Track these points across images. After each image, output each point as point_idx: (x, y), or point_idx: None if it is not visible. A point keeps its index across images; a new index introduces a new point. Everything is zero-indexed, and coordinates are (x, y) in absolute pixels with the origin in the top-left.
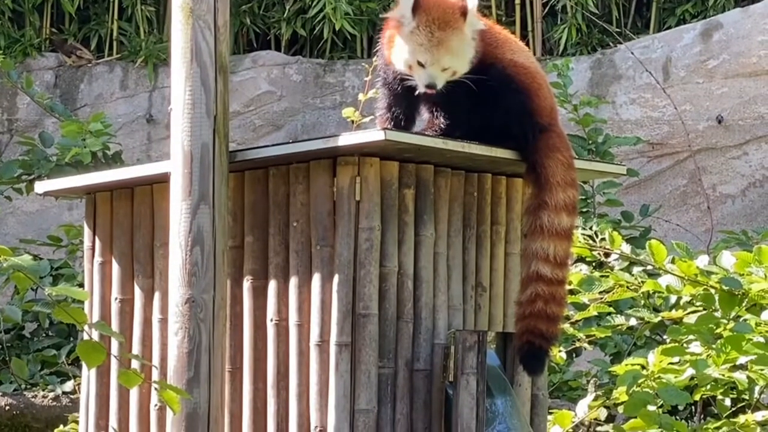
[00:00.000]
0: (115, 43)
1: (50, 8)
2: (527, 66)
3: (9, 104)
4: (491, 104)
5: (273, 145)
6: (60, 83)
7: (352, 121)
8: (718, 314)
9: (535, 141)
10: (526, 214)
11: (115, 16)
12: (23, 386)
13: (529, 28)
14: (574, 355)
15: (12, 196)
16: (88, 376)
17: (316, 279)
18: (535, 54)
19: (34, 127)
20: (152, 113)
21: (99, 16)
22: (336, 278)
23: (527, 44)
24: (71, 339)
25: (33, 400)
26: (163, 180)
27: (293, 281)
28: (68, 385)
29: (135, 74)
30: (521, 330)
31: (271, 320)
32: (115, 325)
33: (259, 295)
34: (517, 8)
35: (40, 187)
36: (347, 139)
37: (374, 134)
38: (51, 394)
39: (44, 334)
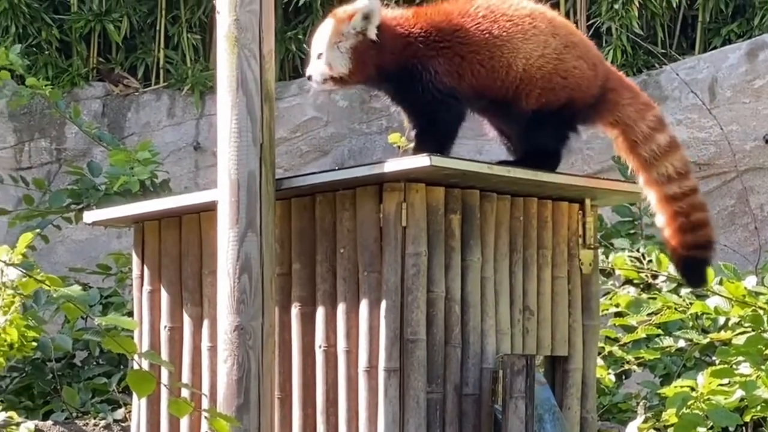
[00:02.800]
0: (161, 72)
1: (97, 38)
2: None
3: (57, 134)
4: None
5: (319, 172)
6: (107, 112)
7: (399, 147)
8: (767, 335)
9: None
10: (629, 155)
11: (162, 45)
12: (74, 414)
13: None
14: (623, 377)
15: (61, 225)
16: (139, 404)
17: (364, 305)
18: None
19: (83, 156)
20: (199, 141)
21: (145, 44)
22: (383, 304)
23: None
24: (122, 367)
25: (84, 428)
26: (210, 208)
27: (341, 307)
28: (119, 413)
29: (182, 102)
30: (673, 251)
31: (320, 347)
32: (164, 353)
33: (308, 321)
34: None
35: (89, 216)
36: (393, 165)
37: (419, 160)
38: (102, 422)
39: (95, 362)
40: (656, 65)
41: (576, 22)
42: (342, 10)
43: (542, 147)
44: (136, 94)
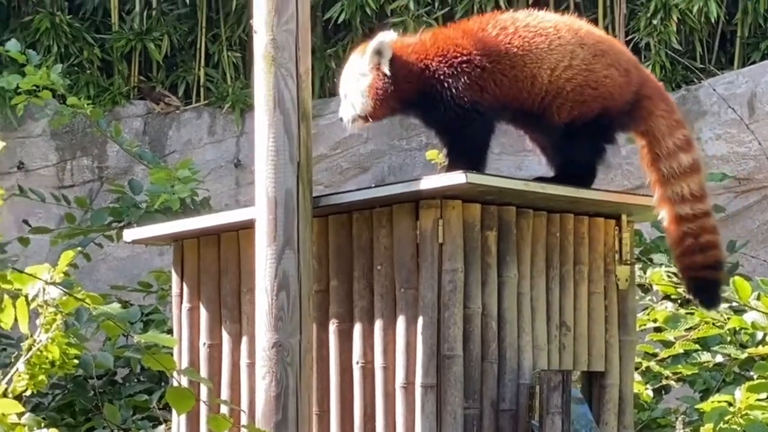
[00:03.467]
0: (202, 90)
1: (138, 56)
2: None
3: (99, 152)
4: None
5: (356, 190)
6: (149, 130)
7: (437, 163)
8: None
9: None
10: (649, 167)
11: (202, 63)
12: (116, 431)
13: None
14: (663, 393)
15: (103, 243)
16: (179, 421)
17: (401, 321)
18: None
19: (124, 174)
20: (240, 158)
21: (186, 63)
22: (420, 320)
23: None
24: (162, 384)
25: None
26: (248, 226)
27: (378, 324)
28: (160, 430)
29: (222, 120)
30: (682, 271)
31: (357, 363)
32: (203, 370)
33: (345, 338)
34: None
35: (128, 235)
36: (429, 182)
37: (455, 177)
38: None
39: (136, 380)
40: (695, 80)
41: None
42: (360, 48)
43: (577, 162)
44: (177, 112)
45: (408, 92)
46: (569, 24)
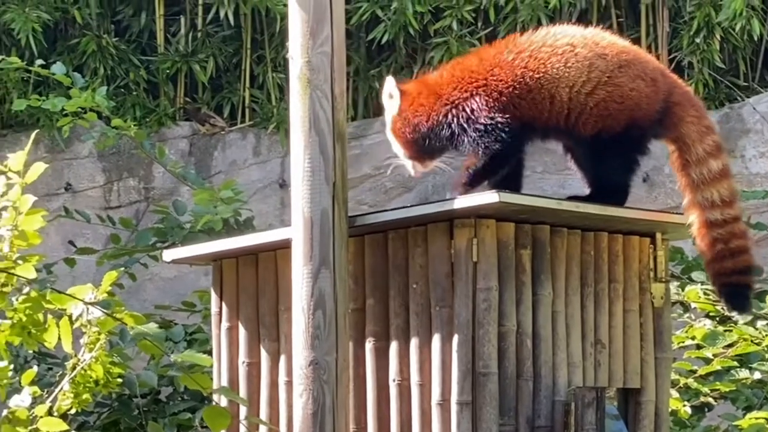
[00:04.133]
0: (247, 111)
1: (184, 78)
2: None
3: (145, 173)
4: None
5: (391, 210)
6: (194, 151)
7: None
8: None
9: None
10: (679, 172)
11: (247, 84)
12: None
13: None
14: (706, 410)
15: (149, 263)
16: None
17: (436, 339)
18: None
19: (170, 195)
20: (285, 178)
21: (231, 84)
22: (455, 338)
23: None
24: (206, 402)
25: None
26: (285, 246)
27: (414, 342)
28: None
29: (267, 140)
30: (713, 277)
31: (393, 380)
32: (242, 388)
33: (381, 356)
34: None
35: (168, 255)
36: (463, 201)
37: (488, 197)
38: None
39: (180, 398)
40: (738, 98)
41: (657, 57)
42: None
43: (610, 179)
44: (223, 133)
45: (427, 126)
46: (589, 38)
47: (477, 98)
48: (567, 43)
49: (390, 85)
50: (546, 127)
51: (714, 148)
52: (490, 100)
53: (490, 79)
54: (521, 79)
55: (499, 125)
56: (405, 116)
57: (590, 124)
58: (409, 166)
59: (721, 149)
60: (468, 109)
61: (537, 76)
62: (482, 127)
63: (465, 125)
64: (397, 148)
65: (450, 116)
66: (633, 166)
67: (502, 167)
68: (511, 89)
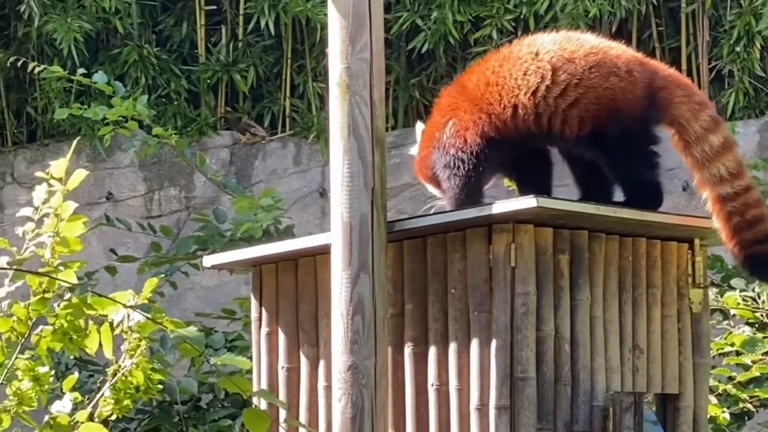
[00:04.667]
0: (287, 120)
1: (224, 88)
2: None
3: (186, 182)
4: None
5: (430, 215)
6: (235, 160)
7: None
8: None
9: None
10: (682, 154)
11: (288, 93)
12: None
13: None
14: (746, 418)
15: (190, 272)
16: None
17: (475, 344)
18: None
19: (211, 204)
20: (325, 187)
21: (272, 93)
22: (494, 343)
23: None
24: (245, 409)
25: None
26: (325, 251)
27: (452, 347)
28: None
29: (307, 149)
30: (734, 251)
31: (432, 385)
32: (282, 393)
33: (420, 360)
34: (684, 74)
35: (208, 261)
36: (501, 207)
37: (527, 202)
38: None
39: (220, 405)
40: None
41: (698, 66)
42: None
43: (637, 181)
44: (263, 142)
45: (432, 160)
46: (556, 43)
47: (451, 123)
48: (532, 51)
49: (417, 127)
50: (517, 136)
51: (711, 123)
52: (460, 123)
53: (461, 102)
54: (482, 97)
55: (467, 147)
56: (420, 156)
57: (571, 125)
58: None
59: (718, 123)
60: (446, 133)
61: (497, 89)
62: (456, 149)
63: (445, 147)
64: (429, 187)
65: (436, 148)
66: (652, 159)
67: (477, 184)
68: (475, 106)
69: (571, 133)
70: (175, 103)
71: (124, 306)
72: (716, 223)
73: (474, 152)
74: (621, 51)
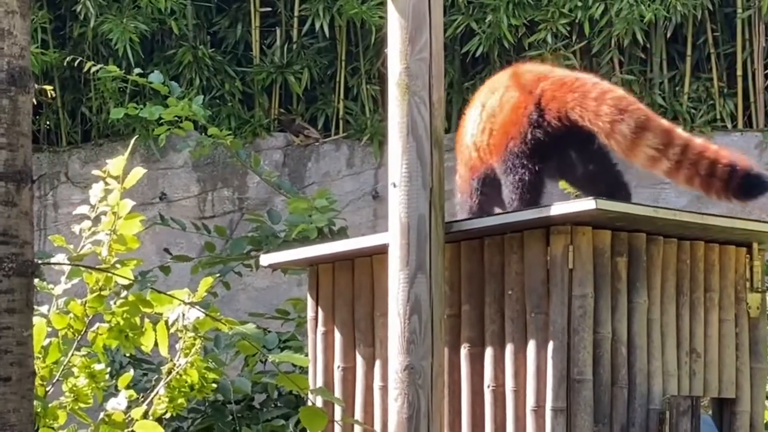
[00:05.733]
0: (341, 122)
1: (278, 89)
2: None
3: (240, 183)
4: None
5: (488, 216)
6: (288, 162)
7: (569, 192)
8: None
9: None
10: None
11: (341, 96)
12: None
13: (751, 100)
14: None
15: (243, 272)
16: None
17: (531, 346)
18: (757, 126)
19: (264, 205)
20: (378, 190)
21: (325, 96)
22: (551, 345)
23: (749, 116)
24: (299, 409)
25: None
26: (382, 251)
27: (509, 348)
28: None
29: (361, 152)
30: (720, 198)
31: (488, 386)
32: (337, 393)
33: (476, 361)
34: (739, 80)
35: (266, 260)
36: (559, 208)
37: (585, 204)
38: None
39: (273, 405)
40: None
41: (754, 72)
42: None
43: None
44: (317, 144)
45: None
46: (488, 88)
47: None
48: (478, 103)
49: None
50: (488, 173)
51: (614, 113)
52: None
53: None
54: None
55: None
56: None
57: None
58: None
59: (623, 110)
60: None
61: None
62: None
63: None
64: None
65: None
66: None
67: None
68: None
69: (500, 160)
70: (229, 104)
71: (184, 303)
72: (694, 190)
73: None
74: (528, 72)
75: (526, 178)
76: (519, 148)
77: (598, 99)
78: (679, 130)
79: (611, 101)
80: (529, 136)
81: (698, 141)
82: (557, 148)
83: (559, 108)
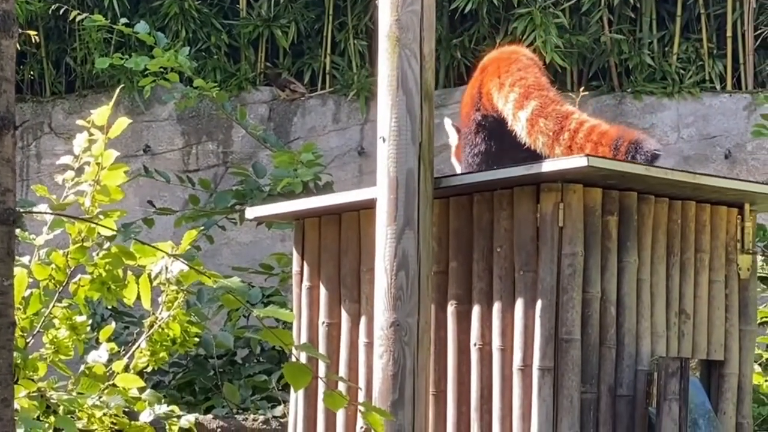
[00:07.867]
0: (327, 77)
1: (265, 43)
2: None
3: (224, 137)
4: None
5: (477, 172)
6: (274, 117)
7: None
8: None
9: None
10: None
11: (328, 51)
12: (234, 410)
13: (741, 61)
14: None
15: (226, 226)
16: (296, 398)
17: (519, 304)
18: (746, 88)
19: (249, 159)
20: (364, 146)
21: (312, 50)
22: (539, 303)
23: (738, 78)
24: (281, 365)
25: (243, 423)
26: (369, 206)
27: (496, 306)
28: (278, 410)
29: (347, 108)
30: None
31: (475, 345)
32: (322, 349)
33: (463, 319)
34: (729, 41)
35: (251, 212)
36: (550, 165)
37: (576, 160)
38: (261, 418)
39: (255, 360)
40: None
41: (743, 33)
42: None
43: None
44: (302, 99)
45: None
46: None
47: None
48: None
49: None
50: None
51: (515, 104)
52: None
53: None
54: None
55: None
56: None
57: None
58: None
59: (527, 96)
60: None
61: None
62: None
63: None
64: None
65: None
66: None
67: None
68: None
69: None
70: (215, 57)
71: (168, 255)
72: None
73: None
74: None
75: (470, 159)
76: (467, 128)
77: (512, 85)
78: (576, 116)
79: (519, 88)
80: (473, 116)
81: (589, 124)
82: (494, 132)
83: (487, 92)
